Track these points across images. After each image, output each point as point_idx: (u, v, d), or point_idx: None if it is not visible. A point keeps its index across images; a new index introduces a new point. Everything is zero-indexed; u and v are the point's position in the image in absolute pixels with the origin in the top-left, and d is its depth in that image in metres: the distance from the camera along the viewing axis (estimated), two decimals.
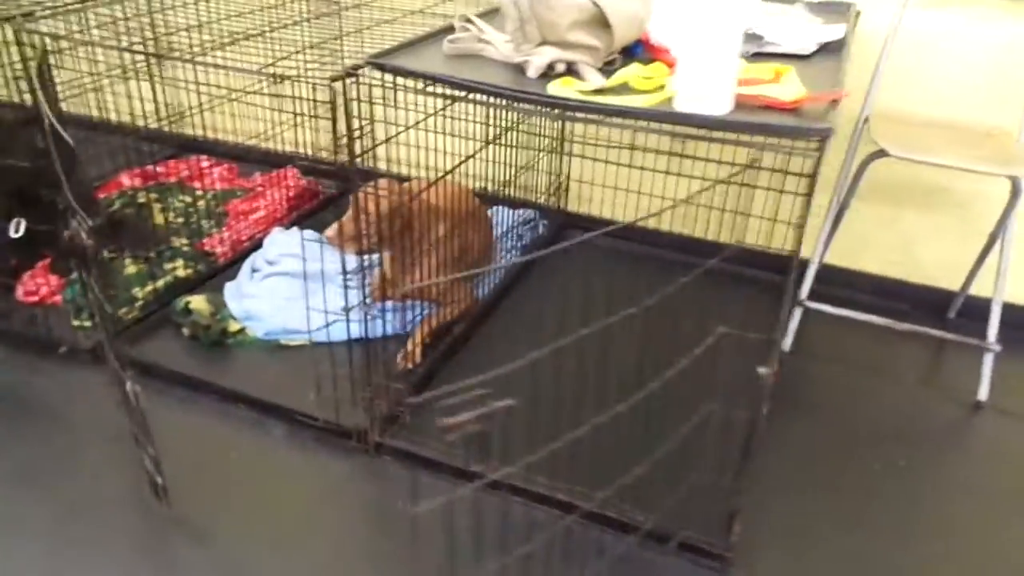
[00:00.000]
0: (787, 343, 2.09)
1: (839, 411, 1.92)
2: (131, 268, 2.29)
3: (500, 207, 2.52)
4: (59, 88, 2.07)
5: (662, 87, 1.30)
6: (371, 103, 1.37)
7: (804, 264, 2.14)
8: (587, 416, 1.15)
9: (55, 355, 1.99)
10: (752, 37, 1.56)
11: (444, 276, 2.09)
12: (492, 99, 1.29)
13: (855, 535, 1.58)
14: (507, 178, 2.23)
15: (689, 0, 1.15)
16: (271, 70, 1.40)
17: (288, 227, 2.51)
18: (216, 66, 1.39)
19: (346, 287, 2.24)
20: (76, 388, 1.90)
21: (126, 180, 2.78)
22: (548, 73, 1.36)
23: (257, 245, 2.43)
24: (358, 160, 1.41)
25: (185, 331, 2.05)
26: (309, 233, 2.45)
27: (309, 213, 2.69)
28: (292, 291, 2.21)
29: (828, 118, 1.15)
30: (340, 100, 1.34)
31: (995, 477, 1.75)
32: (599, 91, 1.29)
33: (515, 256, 2.44)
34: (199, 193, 2.77)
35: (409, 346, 1.98)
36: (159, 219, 2.57)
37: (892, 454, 1.80)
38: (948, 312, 2.30)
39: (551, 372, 1.98)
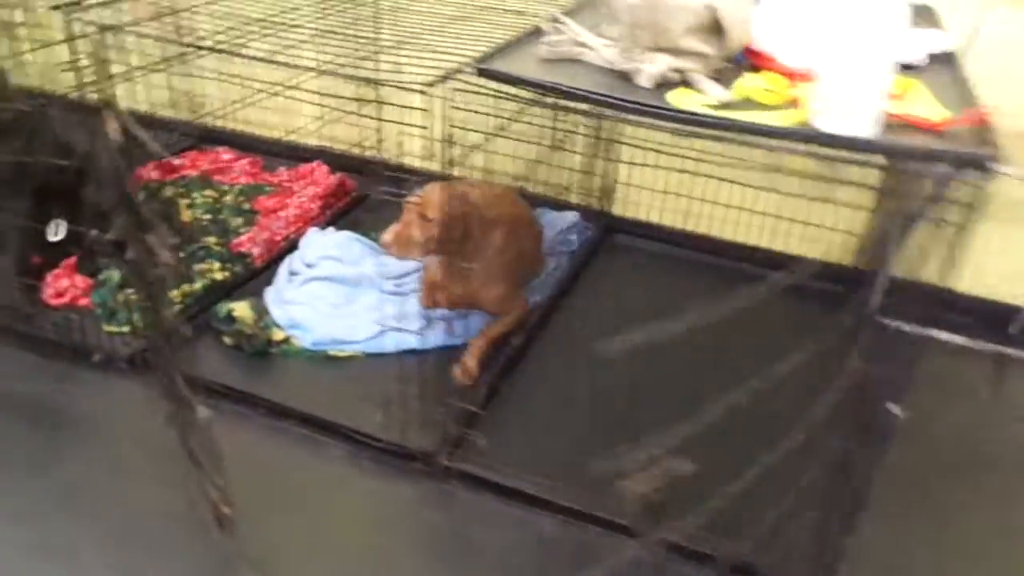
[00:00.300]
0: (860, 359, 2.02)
1: (922, 434, 1.85)
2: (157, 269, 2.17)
3: (546, 210, 2.42)
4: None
5: (791, 102, 1.21)
6: (466, 109, 1.26)
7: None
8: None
9: (88, 363, 1.87)
10: None
11: (501, 284, 1.99)
12: (608, 111, 1.19)
13: (955, 566, 1.52)
14: (566, 183, 2.13)
15: (836, 5, 1.06)
16: (353, 72, 1.29)
17: (324, 227, 2.40)
18: (298, 67, 1.28)
19: (398, 294, 2.15)
20: (115, 400, 1.79)
21: (146, 172, 2.65)
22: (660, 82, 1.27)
23: (292, 246, 2.32)
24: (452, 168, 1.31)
25: (227, 339, 1.94)
26: (349, 234, 2.34)
27: (343, 212, 2.57)
28: (336, 297, 2.10)
29: (986, 141, 1.06)
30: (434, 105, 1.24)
31: None
32: (724, 105, 1.19)
33: (562, 261, 2.34)
34: (224, 188, 2.64)
35: (468, 360, 1.88)
36: (186, 216, 2.45)
37: (980, 480, 1.73)
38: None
39: (626, 392, 1.90)
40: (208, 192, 2.60)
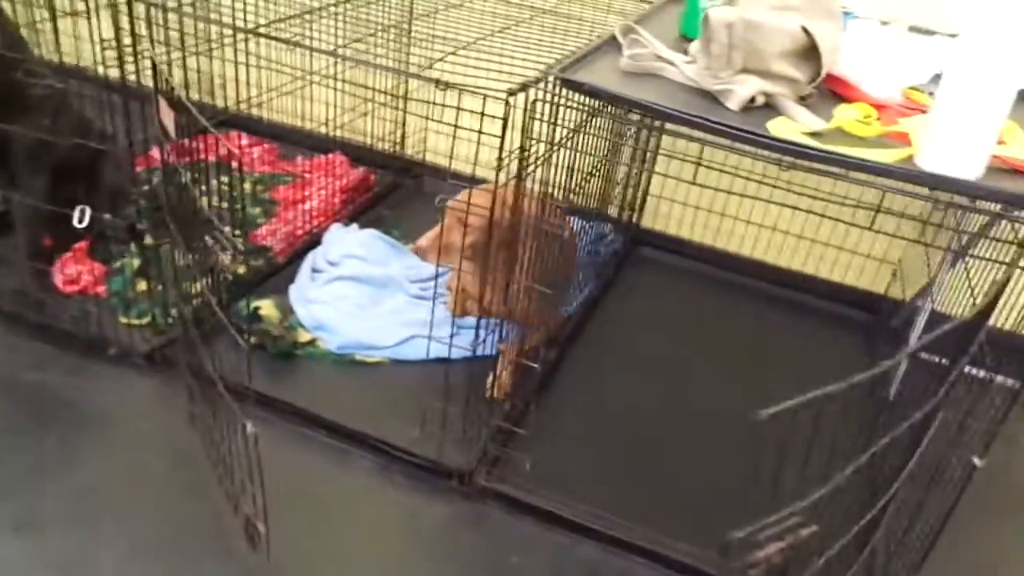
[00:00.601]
0: (892, 390, 1.99)
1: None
2: (181, 260, 2.08)
3: (576, 219, 2.36)
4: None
5: (885, 135, 1.16)
6: (543, 119, 1.20)
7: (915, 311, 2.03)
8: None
9: (103, 356, 1.78)
10: (935, 76, 1.43)
11: (534, 294, 1.93)
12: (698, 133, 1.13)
13: None
14: (605, 193, 2.07)
15: (960, 42, 1.01)
16: (421, 71, 1.22)
17: (347, 223, 2.32)
18: (370, 64, 1.20)
19: (423, 298, 2.08)
20: (132, 397, 1.70)
21: (158, 154, 2.54)
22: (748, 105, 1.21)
23: (315, 241, 2.24)
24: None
25: (249, 337, 1.86)
26: (373, 232, 2.27)
27: (365, 207, 2.49)
28: (361, 298, 2.03)
29: None
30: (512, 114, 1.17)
31: None
32: (817, 135, 1.14)
33: (591, 272, 2.29)
34: (238, 176, 2.55)
35: (501, 373, 1.82)
36: (203, 203, 2.35)
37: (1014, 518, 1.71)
38: None
39: (660, 407, 1.85)
40: (224, 179, 2.51)
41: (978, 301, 1.67)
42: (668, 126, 1.23)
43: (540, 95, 1.16)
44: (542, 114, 1.18)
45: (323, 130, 2.66)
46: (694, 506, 1.61)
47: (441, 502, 1.56)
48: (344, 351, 1.87)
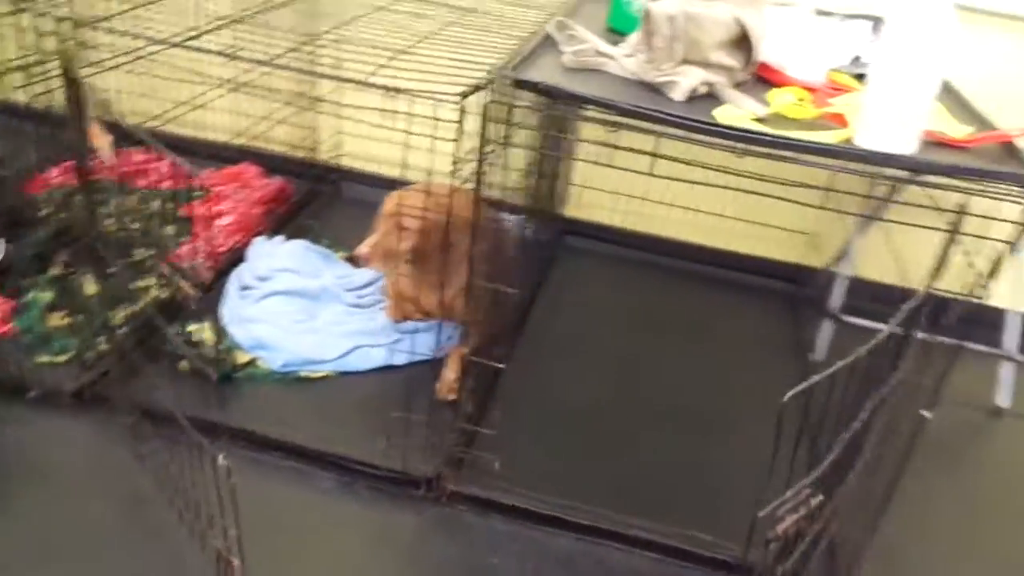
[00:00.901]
0: (822, 353, 2.10)
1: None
2: (91, 288, 1.96)
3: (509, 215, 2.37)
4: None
5: (822, 116, 1.22)
6: (500, 122, 1.20)
7: (831, 277, 2.15)
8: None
9: (23, 399, 1.66)
10: (855, 59, 1.51)
11: (474, 293, 1.93)
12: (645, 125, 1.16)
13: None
14: (538, 187, 2.09)
15: (889, 28, 1.08)
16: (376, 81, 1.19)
17: (271, 235, 2.24)
18: (326, 76, 1.16)
19: (361, 306, 2.04)
20: (65, 441, 1.59)
21: (56, 176, 2.39)
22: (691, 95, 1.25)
23: (238, 258, 2.15)
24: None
25: (185, 364, 1.77)
26: (301, 243, 2.21)
27: (286, 218, 2.41)
28: (298, 312, 1.97)
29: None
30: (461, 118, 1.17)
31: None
32: (760, 120, 1.19)
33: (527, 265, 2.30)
34: (147, 193, 2.42)
35: (449, 375, 1.81)
36: (109, 226, 2.22)
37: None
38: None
39: (613, 395, 1.89)
40: (129, 198, 2.37)
41: (897, 264, 1.78)
42: (590, 113, 1.24)
43: (495, 96, 1.16)
44: (496, 115, 1.17)
45: (228, 139, 2.56)
46: (658, 487, 1.66)
47: (411, 512, 1.54)
48: (288, 369, 1.81)
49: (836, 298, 2.10)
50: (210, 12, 1.70)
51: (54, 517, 1.43)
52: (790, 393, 0.80)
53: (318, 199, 2.57)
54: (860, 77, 1.44)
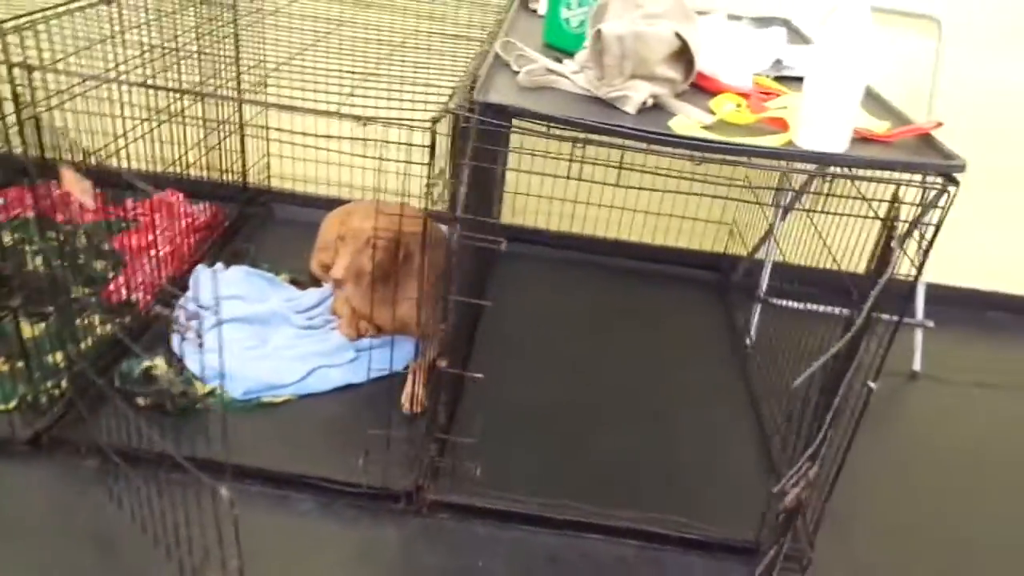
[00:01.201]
0: (753, 336, 2.24)
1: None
2: (28, 330, 1.89)
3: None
4: None
5: (762, 121, 1.33)
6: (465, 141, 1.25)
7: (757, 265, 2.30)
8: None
9: None
10: (775, 62, 1.64)
11: (429, 305, 1.97)
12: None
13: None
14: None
15: (821, 38, 1.19)
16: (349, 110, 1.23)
17: (211, 263, 2.21)
18: (292, 108, 1.18)
19: (311, 327, 2.05)
20: (28, 488, 1.54)
21: None
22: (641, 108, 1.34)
23: (179, 287, 2.11)
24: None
25: (141, 401, 1.74)
26: (244, 269, 2.19)
27: (220, 243, 2.38)
28: (249, 339, 1.96)
29: (942, 151, 1.24)
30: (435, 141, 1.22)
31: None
32: (708, 127, 1.29)
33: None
34: (68, 228, 2.33)
35: (414, 388, 1.85)
36: (35, 263, 2.14)
37: None
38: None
39: (568, 394, 1.96)
40: (50, 234, 2.28)
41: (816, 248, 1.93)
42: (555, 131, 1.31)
43: (463, 120, 1.21)
44: (462, 136, 1.23)
45: (148, 167, 2.49)
46: (629, 477, 1.75)
47: (393, 525, 1.57)
48: (248, 396, 1.80)
49: (761, 282, 2.25)
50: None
51: (31, 569, 1.39)
52: (799, 379, 0.87)
53: (249, 222, 2.54)
54: (781, 79, 1.57)
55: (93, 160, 1.25)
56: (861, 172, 1.26)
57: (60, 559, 1.41)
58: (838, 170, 1.26)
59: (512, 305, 2.33)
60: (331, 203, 2.25)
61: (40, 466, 1.59)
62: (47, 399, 1.69)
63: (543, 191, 2.50)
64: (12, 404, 1.68)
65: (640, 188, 2.35)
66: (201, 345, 1.89)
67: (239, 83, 2.40)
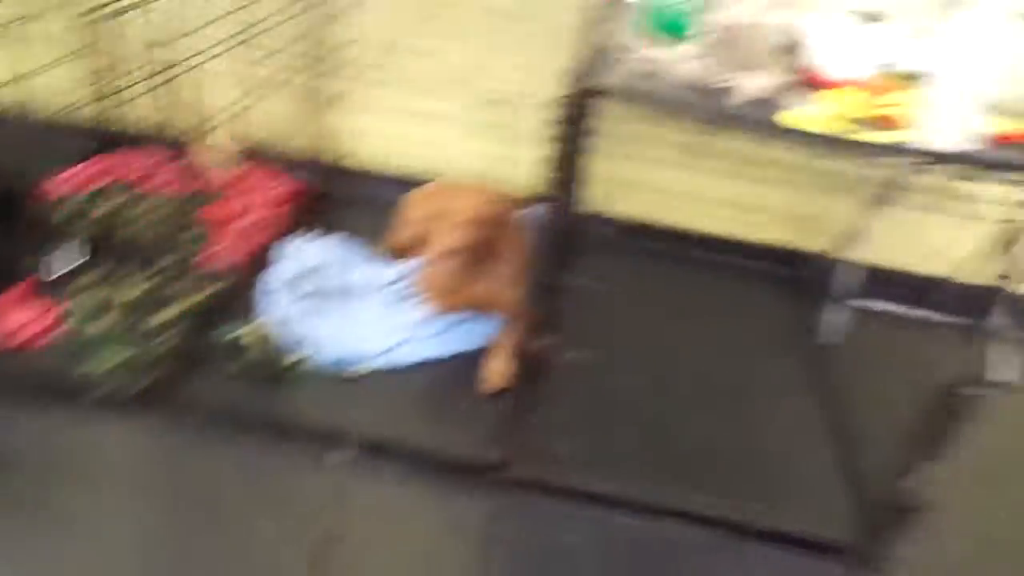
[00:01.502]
0: (827, 336, 2.22)
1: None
2: (130, 292, 1.97)
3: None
4: None
5: (877, 117, 1.32)
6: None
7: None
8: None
9: (80, 404, 1.67)
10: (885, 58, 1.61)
11: (519, 284, 1.99)
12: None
13: None
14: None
15: (952, 33, 1.18)
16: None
17: (301, 234, 2.27)
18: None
19: (399, 300, 2.09)
20: (133, 443, 1.62)
21: (54, 187, 2.35)
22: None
23: (268, 258, 2.17)
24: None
25: (233, 367, 1.80)
26: (330, 240, 2.24)
27: (309, 216, 2.43)
28: (337, 310, 2.01)
29: None
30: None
31: None
32: (821, 121, 1.28)
33: None
34: (158, 199, 2.41)
35: (500, 364, 1.88)
36: (134, 231, 2.22)
37: None
38: None
39: (650, 381, 1.97)
40: (143, 205, 2.37)
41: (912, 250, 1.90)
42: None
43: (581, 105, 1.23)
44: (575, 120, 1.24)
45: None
46: (709, 463, 1.75)
47: (478, 499, 1.61)
48: (335, 366, 1.86)
49: (846, 282, 2.22)
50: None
51: (136, 518, 1.46)
52: (967, 390, 0.87)
53: (335, 197, 2.59)
54: (902, 77, 1.54)
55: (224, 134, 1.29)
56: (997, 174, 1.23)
57: (163, 512, 1.49)
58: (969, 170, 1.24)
59: (594, 291, 2.34)
60: (419, 183, 2.28)
61: (145, 423, 1.66)
62: (150, 359, 1.76)
63: (637, 179, 2.48)
64: (117, 361, 1.76)
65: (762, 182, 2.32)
66: (291, 314, 1.96)
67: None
